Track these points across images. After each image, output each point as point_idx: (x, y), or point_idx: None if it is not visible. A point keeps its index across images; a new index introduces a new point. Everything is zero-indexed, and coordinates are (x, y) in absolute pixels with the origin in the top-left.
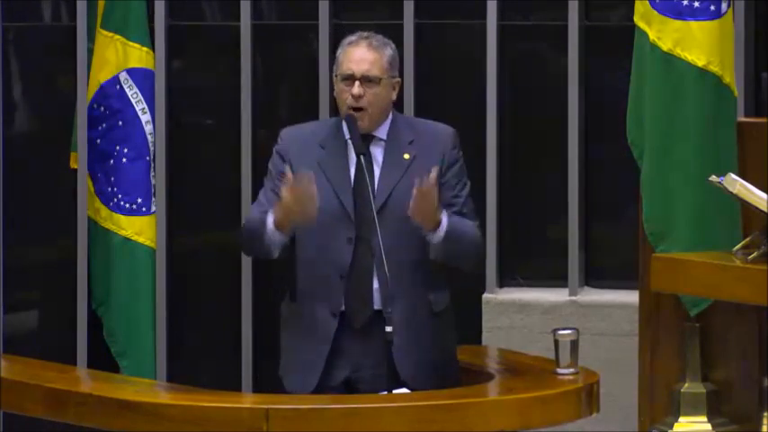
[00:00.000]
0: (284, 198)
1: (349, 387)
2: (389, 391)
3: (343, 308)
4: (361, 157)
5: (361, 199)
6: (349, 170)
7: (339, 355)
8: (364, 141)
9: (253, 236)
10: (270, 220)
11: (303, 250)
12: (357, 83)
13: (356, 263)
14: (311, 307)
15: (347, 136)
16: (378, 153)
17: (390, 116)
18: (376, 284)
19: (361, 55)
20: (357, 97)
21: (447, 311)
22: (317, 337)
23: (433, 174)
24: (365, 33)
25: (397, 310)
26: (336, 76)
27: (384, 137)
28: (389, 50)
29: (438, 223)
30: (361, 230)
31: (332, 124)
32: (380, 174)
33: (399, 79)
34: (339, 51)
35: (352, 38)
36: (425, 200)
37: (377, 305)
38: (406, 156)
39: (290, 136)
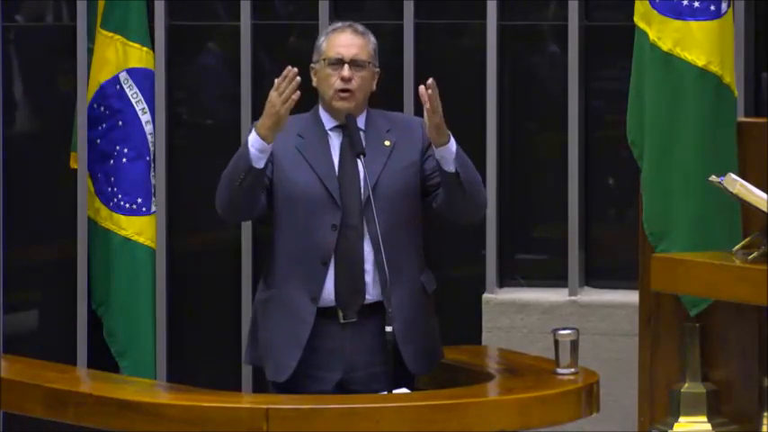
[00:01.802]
0: (272, 97)
1: (342, 390)
2: (389, 390)
3: (333, 302)
4: (362, 156)
5: (347, 186)
6: (332, 158)
7: (329, 356)
8: (344, 130)
9: (233, 175)
10: (251, 136)
11: (283, 236)
12: (347, 66)
13: (342, 250)
14: (288, 292)
15: (327, 126)
16: None
17: (365, 108)
18: (369, 275)
19: (348, 40)
20: (347, 80)
21: (433, 292)
22: (295, 321)
23: (430, 81)
24: (347, 22)
25: (395, 297)
26: (322, 61)
27: (363, 126)
28: (372, 38)
29: (448, 136)
30: (348, 217)
31: (308, 116)
32: (365, 161)
33: (379, 70)
34: (321, 39)
35: (336, 25)
36: (432, 102)
37: (370, 296)
38: (387, 143)
39: None
